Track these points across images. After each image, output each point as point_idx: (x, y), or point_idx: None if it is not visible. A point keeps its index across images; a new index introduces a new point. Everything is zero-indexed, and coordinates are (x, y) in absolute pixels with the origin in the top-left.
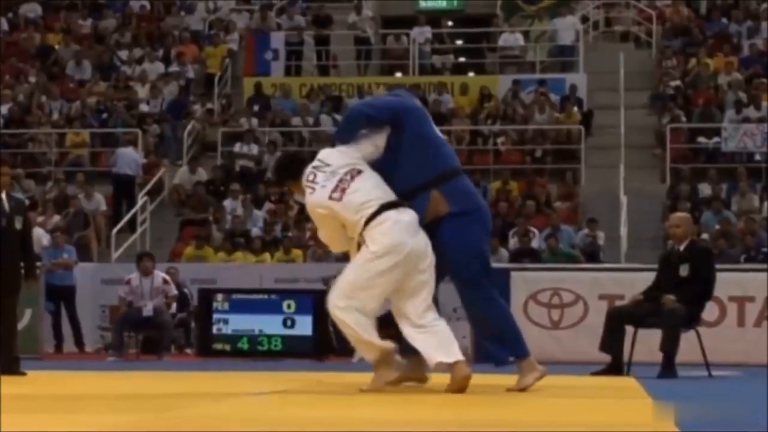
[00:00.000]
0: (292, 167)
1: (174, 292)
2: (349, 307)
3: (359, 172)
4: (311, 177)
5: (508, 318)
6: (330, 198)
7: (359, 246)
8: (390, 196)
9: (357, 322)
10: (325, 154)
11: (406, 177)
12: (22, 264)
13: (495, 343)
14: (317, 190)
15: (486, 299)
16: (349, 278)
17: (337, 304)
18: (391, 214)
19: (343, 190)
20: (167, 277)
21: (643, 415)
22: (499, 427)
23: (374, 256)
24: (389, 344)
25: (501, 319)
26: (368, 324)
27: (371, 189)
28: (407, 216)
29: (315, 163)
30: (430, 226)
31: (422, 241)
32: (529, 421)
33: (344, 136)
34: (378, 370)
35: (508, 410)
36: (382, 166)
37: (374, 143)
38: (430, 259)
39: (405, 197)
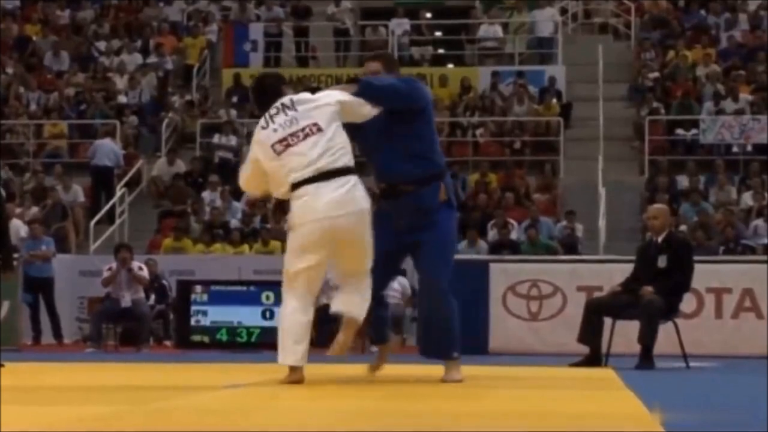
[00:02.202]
0: (271, 90)
1: (146, 277)
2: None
3: (319, 130)
4: (273, 112)
5: (457, 316)
6: (271, 147)
7: (277, 208)
8: (333, 165)
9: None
10: (303, 97)
11: (427, 151)
12: None
13: (442, 336)
14: (267, 130)
15: (447, 292)
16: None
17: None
18: (310, 189)
19: (287, 146)
20: (141, 265)
21: (621, 406)
22: (478, 417)
23: (289, 229)
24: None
25: (453, 314)
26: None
27: (314, 155)
28: (332, 191)
29: (285, 100)
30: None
31: (350, 220)
32: (507, 411)
33: (374, 96)
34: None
35: (485, 402)
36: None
37: (378, 110)
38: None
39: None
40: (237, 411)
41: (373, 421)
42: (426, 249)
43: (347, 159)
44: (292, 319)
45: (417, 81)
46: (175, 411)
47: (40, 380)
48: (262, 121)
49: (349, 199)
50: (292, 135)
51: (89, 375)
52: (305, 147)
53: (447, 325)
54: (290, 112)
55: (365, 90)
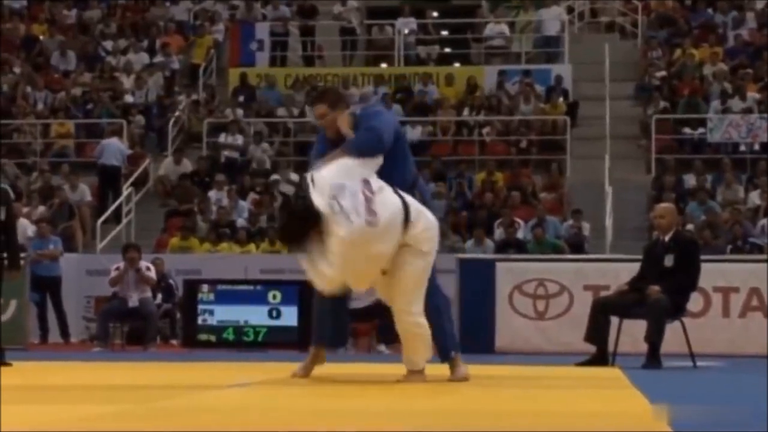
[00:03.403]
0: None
1: (154, 278)
2: (420, 312)
3: (368, 183)
4: (337, 207)
5: (446, 313)
6: (368, 223)
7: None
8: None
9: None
10: (330, 175)
11: (402, 178)
12: (4, 254)
13: (436, 339)
14: (352, 220)
15: (431, 293)
16: (415, 285)
17: (412, 312)
18: (421, 218)
19: (374, 212)
20: (149, 265)
21: (627, 405)
22: (485, 416)
23: (431, 256)
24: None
25: (441, 314)
26: None
27: (392, 195)
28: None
29: (327, 190)
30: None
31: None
32: (514, 410)
33: (366, 154)
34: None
35: (491, 401)
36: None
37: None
38: None
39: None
40: (244, 410)
41: (379, 421)
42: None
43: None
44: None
45: (380, 117)
46: (181, 410)
47: (47, 380)
48: (338, 226)
49: None
50: (366, 200)
51: (96, 374)
52: (384, 198)
53: (438, 325)
54: (344, 192)
55: (353, 156)
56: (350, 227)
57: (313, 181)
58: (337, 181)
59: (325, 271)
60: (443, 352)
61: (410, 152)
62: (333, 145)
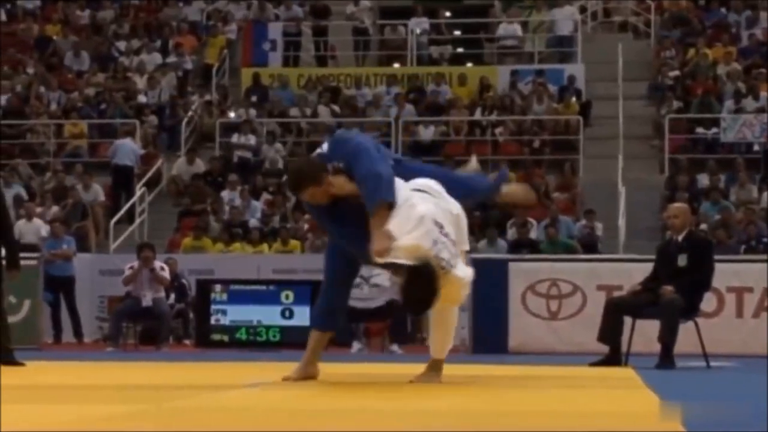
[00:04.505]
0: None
1: (168, 278)
2: None
3: (442, 227)
4: (444, 264)
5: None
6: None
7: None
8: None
9: None
10: (411, 240)
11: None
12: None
13: None
14: (457, 266)
15: None
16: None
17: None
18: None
19: (454, 243)
20: (164, 265)
21: (641, 405)
22: (497, 416)
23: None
24: None
25: None
26: None
27: (451, 207)
28: None
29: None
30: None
31: None
32: (527, 410)
33: (390, 194)
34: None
35: (504, 400)
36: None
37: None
38: None
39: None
40: (256, 410)
41: (394, 421)
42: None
43: None
44: None
45: (358, 152)
46: (193, 410)
47: (60, 379)
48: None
49: None
50: (446, 237)
51: (109, 374)
52: (454, 222)
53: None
54: (444, 237)
55: (386, 202)
56: (465, 272)
57: (418, 258)
58: (423, 243)
59: (459, 274)
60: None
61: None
62: (332, 205)
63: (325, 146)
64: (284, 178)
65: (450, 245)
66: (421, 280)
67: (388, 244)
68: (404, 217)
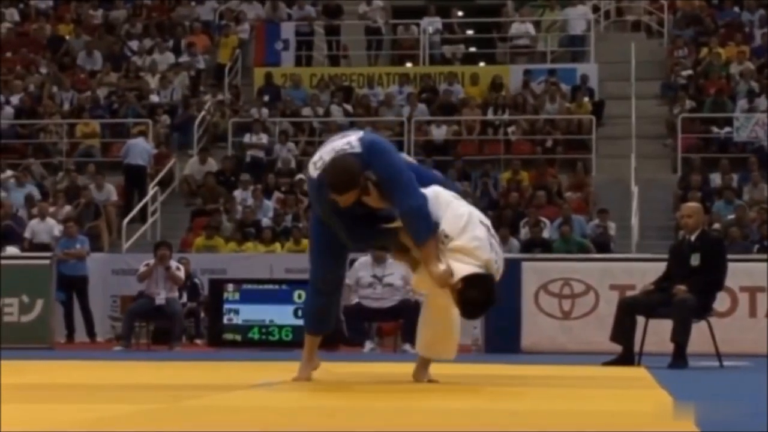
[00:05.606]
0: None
1: (182, 277)
2: None
3: (484, 222)
4: (496, 267)
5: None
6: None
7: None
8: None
9: None
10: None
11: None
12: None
13: None
14: (498, 258)
15: None
16: None
17: None
18: None
19: (493, 239)
20: (179, 265)
21: (654, 405)
22: (510, 415)
23: None
24: None
25: None
26: None
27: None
28: None
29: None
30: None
31: None
32: (539, 409)
33: (433, 224)
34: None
35: (517, 400)
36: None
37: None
38: None
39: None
40: (268, 410)
41: (403, 420)
42: None
43: None
44: None
45: (400, 158)
46: (205, 410)
47: (72, 378)
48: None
49: None
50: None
51: (121, 373)
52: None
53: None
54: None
55: (433, 232)
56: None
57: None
58: (484, 249)
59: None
60: None
61: (420, 168)
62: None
63: (354, 141)
64: (295, 177)
65: (497, 247)
66: (482, 287)
67: (449, 273)
68: (451, 216)
